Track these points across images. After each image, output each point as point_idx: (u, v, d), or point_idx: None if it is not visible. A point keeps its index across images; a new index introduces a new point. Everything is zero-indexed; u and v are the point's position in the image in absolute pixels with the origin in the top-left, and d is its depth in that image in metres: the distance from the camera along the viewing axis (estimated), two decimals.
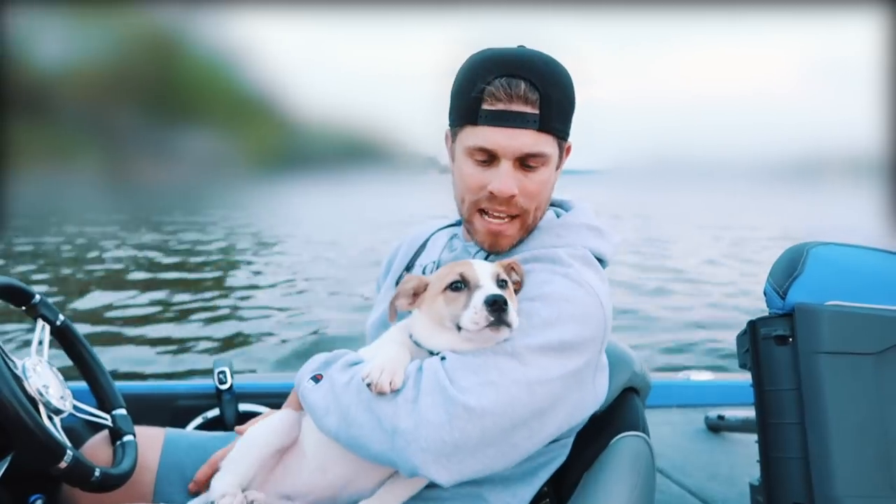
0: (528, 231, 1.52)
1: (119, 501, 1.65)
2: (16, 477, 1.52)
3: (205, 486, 1.56)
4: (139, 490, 1.69)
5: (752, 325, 1.50)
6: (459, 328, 1.29)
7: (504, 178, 1.42)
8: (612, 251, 1.57)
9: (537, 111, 1.39)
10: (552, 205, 1.66)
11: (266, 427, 1.52)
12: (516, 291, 1.41)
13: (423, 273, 1.64)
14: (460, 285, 1.33)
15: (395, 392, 1.27)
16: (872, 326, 1.38)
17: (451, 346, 1.33)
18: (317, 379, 1.41)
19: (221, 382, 2.42)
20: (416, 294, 1.41)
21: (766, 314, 1.50)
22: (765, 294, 1.50)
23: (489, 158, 1.43)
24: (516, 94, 1.38)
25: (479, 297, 1.27)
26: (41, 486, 1.75)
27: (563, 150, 1.51)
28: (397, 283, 1.67)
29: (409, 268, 1.71)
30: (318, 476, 1.46)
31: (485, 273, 1.33)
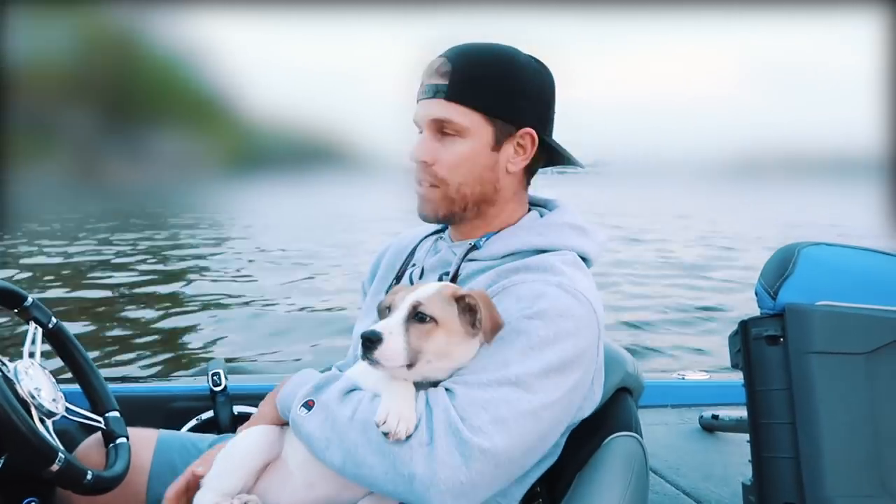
0: (453, 204, 1.54)
1: (112, 502, 1.65)
2: (9, 480, 1.52)
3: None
4: (132, 491, 1.69)
5: (744, 326, 1.50)
6: None
7: (417, 145, 1.53)
8: (598, 250, 1.58)
9: (446, 81, 1.48)
10: (537, 205, 1.67)
11: (248, 443, 1.50)
12: (472, 320, 1.33)
13: (410, 280, 1.65)
14: (387, 310, 1.34)
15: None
16: (863, 326, 1.39)
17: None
18: (308, 406, 1.38)
19: (216, 384, 2.41)
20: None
21: (758, 314, 1.50)
22: (756, 294, 1.50)
23: (420, 130, 1.55)
24: (432, 69, 1.51)
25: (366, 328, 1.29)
26: (35, 489, 1.75)
27: (511, 135, 1.51)
28: (387, 292, 1.67)
29: (398, 277, 1.70)
30: (304, 491, 1.45)
31: (407, 302, 1.31)
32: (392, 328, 1.28)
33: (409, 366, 1.29)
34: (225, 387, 2.41)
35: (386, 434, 1.24)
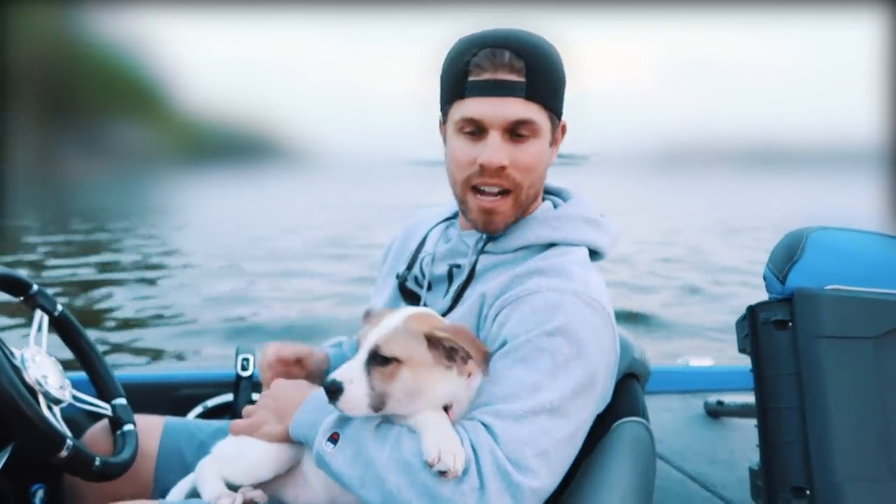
0: (520, 208, 1.49)
1: (119, 489, 1.66)
2: (17, 467, 1.53)
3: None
4: (139, 478, 1.70)
5: (752, 310, 1.50)
6: None
7: (493, 149, 1.40)
8: (612, 242, 1.56)
9: (524, 79, 1.39)
10: (550, 192, 1.65)
11: (266, 453, 1.44)
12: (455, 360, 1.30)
13: (421, 268, 1.62)
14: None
15: (460, 479, 1.22)
16: (872, 310, 1.39)
17: None
18: (333, 439, 1.31)
19: (244, 369, 2.36)
20: None
21: (766, 299, 1.50)
22: (764, 279, 1.50)
23: (478, 130, 1.42)
24: (501, 62, 1.38)
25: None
26: (42, 476, 1.76)
27: (557, 128, 1.50)
28: (399, 285, 1.65)
29: (409, 267, 1.67)
30: (325, 502, 1.44)
31: (368, 344, 1.27)
32: (353, 375, 1.25)
33: (377, 409, 1.26)
34: (252, 373, 2.37)
35: (443, 472, 1.20)
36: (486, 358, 1.28)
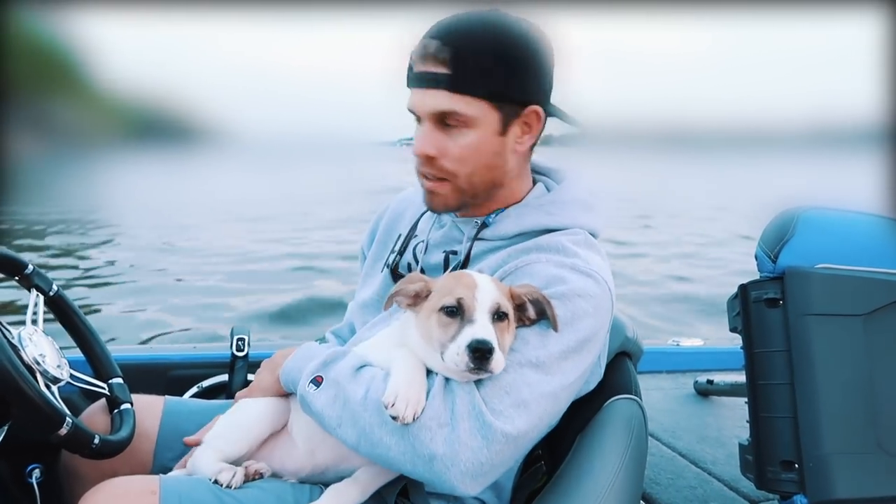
0: (465, 195, 1.49)
1: (118, 468, 1.66)
2: (13, 447, 1.53)
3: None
4: (139, 457, 1.70)
5: (743, 289, 1.52)
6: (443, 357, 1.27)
7: (420, 138, 1.45)
8: (603, 224, 1.57)
9: (448, 70, 1.38)
10: (542, 174, 1.64)
11: (257, 413, 1.51)
12: (523, 320, 1.35)
13: (415, 255, 1.63)
14: (455, 311, 1.28)
15: (428, 416, 1.23)
16: (861, 288, 1.41)
17: (436, 368, 1.30)
18: (317, 381, 1.36)
19: (239, 349, 2.38)
20: (418, 297, 1.36)
21: (757, 277, 1.52)
22: (756, 258, 1.52)
23: (418, 120, 1.46)
24: (427, 54, 1.39)
25: (465, 338, 1.23)
26: (38, 456, 1.76)
27: (516, 115, 1.44)
28: (391, 271, 1.65)
29: (401, 251, 1.68)
30: (306, 458, 1.48)
31: (484, 302, 1.27)
32: (493, 335, 1.24)
33: None
34: (247, 353, 2.38)
35: (394, 417, 1.22)
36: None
